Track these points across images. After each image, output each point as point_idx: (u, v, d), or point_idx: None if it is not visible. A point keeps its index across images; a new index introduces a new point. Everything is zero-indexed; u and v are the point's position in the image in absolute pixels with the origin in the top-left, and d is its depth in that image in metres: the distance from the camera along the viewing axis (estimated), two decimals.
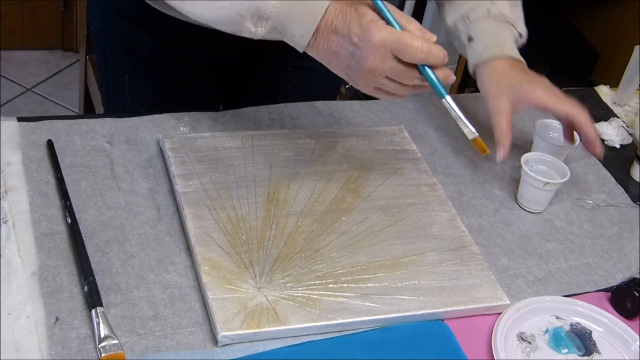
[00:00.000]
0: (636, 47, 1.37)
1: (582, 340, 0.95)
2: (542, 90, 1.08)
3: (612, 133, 1.29)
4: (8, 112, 2.49)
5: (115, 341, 0.82)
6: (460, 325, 0.93)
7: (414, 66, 0.90)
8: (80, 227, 0.93)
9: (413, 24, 0.90)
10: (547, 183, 1.08)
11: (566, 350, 0.94)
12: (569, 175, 1.10)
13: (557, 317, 0.97)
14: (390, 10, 0.90)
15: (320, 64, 1.28)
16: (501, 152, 1.06)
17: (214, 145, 1.08)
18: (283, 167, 1.08)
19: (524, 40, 1.17)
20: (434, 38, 0.90)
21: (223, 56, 1.24)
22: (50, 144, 1.04)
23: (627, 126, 1.33)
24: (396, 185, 1.09)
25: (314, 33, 0.90)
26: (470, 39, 1.14)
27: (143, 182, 1.02)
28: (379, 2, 0.90)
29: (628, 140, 1.30)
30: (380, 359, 0.87)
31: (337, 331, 0.89)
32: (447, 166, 1.17)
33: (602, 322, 0.97)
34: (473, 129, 0.98)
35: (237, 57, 1.25)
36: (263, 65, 1.27)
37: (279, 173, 1.07)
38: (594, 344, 0.95)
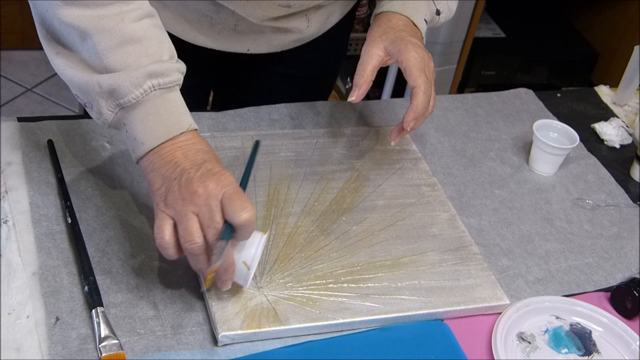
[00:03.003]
0: (636, 47, 1.37)
1: (582, 340, 0.95)
2: (414, 59, 1.00)
3: (612, 133, 1.29)
4: (8, 112, 2.49)
5: (116, 341, 0.82)
6: (460, 325, 0.93)
7: (224, 223, 0.82)
8: (80, 227, 0.93)
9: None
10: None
11: (566, 350, 0.94)
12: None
13: (557, 317, 0.97)
14: None
15: (304, 72, 1.27)
16: (354, 95, 1.00)
17: (214, 145, 1.08)
18: (283, 167, 1.08)
19: (442, 19, 1.13)
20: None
21: (213, 65, 1.24)
22: (50, 144, 1.04)
23: (627, 126, 1.33)
24: (396, 185, 1.09)
25: (155, 147, 0.87)
26: None
27: (143, 182, 1.02)
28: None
29: (628, 140, 1.30)
30: (380, 359, 0.87)
31: (337, 331, 0.89)
32: (447, 166, 1.17)
33: (602, 322, 0.97)
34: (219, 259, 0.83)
35: (227, 65, 1.25)
36: (246, 70, 1.27)
37: (279, 173, 1.07)
38: (594, 344, 0.95)
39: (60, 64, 0.90)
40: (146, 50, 0.87)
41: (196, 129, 0.89)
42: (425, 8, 1.09)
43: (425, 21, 1.08)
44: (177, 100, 0.89)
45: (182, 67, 0.91)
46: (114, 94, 0.87)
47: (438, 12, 1.11)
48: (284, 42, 1.16)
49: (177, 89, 0.90)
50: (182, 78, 0.90)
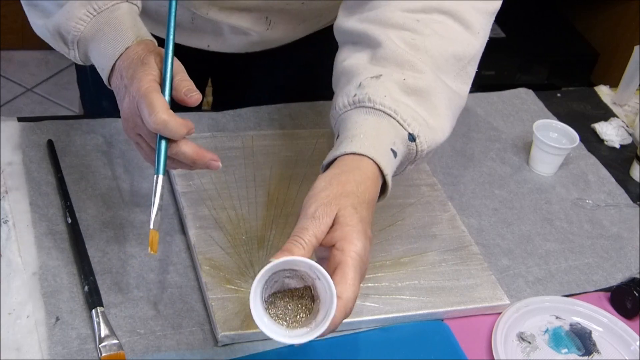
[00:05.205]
0: (636, 47, 1.37)
1: (582, 340, 0.95)
2: (356, 255, 0.73)
3: (612, 133, 1.29)
4: (8, 112, 2.49)
5: (116, 341, 0.82)
6: (460, 325, 0.93)
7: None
8: (80, 227, 0.93)
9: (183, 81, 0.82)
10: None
11: (566, 350, 0.94)
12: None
13: (557, 317, 0.97)
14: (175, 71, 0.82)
15: (310, 71, 1.25)
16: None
17: (214, 145, 1.08)
18: (283, 167, 1.08)
19: (424, 145, 0.84)
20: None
21: (209, 63, 1.23)
22: (50, 144, 1.04)
23: (627, 126, 1.33)
24: (396, 185, 1.09)
25: (111, 69, 0.84)
26: (338, 135, 0.86)
27: (143, 182, 1.02)
28: (168, 59, 0.82)
29: (628, 140, 1.30)
30: (380, 359, 0.87)
31: (337, 331, 0.89)
32: (447, 166, 1.17)
33: (602, 322, 0.97)
34: (153, 222, 0.79)
35: (228, 64, 1.24)
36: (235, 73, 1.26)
37: (279, 173, 1.07)
38: (594, 344, 0.95)
39: (31, 21, 0.89)
40: None
41: (148, 40, 0.85)
42: (391, 136, 0.82)
43: (394, 152, 0.82)
44: (120, 17, 0.85)
45: None
46: (61, 34, 0.86)
47: (412, 138, 0.83)
48: (243, 43, 1.13)
49: (124, 7, 0.86)
50: None
